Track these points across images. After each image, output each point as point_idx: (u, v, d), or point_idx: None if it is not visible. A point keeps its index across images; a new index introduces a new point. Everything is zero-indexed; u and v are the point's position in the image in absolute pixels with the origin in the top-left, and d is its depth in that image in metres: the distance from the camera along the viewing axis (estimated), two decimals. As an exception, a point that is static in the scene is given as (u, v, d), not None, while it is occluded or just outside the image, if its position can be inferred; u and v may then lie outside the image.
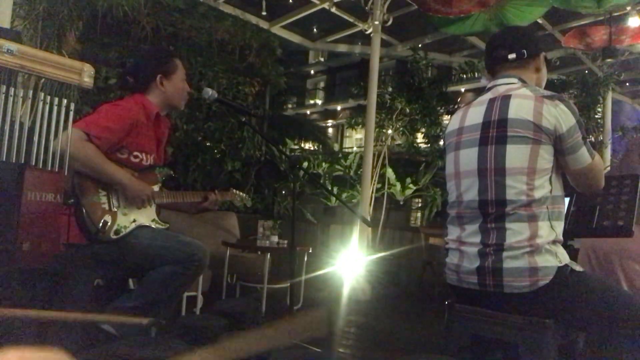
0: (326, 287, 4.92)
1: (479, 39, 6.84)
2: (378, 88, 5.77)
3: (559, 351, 1.38)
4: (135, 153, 2.00)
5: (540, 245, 1.37)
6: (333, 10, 6.08)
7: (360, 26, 6.13)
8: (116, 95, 4.01)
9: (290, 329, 0.61)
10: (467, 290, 1.51)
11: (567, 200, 1.66)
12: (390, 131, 7.08)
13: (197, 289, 3.16)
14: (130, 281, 2.26)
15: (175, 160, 4.90)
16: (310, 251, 4.20)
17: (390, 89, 7.28)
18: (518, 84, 1.54)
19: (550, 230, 1.40)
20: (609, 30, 5.41)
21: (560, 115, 1.40)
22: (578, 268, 1.41)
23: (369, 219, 5.61)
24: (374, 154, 5.97)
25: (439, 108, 7.13)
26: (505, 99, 1.48)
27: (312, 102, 21.08)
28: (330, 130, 19.85)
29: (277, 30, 6.69)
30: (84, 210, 1.83)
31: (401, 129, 7.21)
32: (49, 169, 1.47)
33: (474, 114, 1.56)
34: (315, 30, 7.70)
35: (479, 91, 1.66)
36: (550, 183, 1.43)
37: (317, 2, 6.10)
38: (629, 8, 5.33)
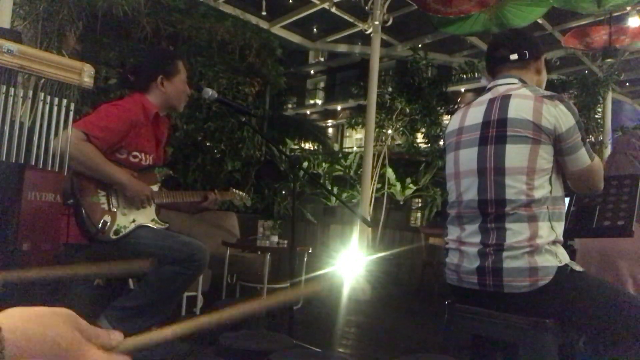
0: (326, 287, 4.91)
1: (479, 39, 6.84)
2: (378, 88, 5.78)
3: (559, 351, 1.38)
4: (135, 153, 2.00)
5: (540, 246, 1.37)
6: (333, 10, 6.09)
7: (360, 26, 6.13)
8: (116, 95, 4.01)
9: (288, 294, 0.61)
10: (467, 290, 1.51)
11: (567, 200, 1.66)
12: (390, 131, 7.09)
13: (197, 289, 3.16)
14: (130, 281, 2.26)
15: (175, 160, 4.90)
16: (310, 251, 4.20)
17: (390, 89, 7.28)
18: (518, 84, 1.54)
19: (550, 230, 1.40)
20: (609, 30, 5.41)
21: (559, 115, 1.40)
22: (578, 268, 1.41)
23: (369, 219, 5.61)
24: (374, 154, 5.97)
25: (439, 108, 7.13)
26: (505, 98, 1.48)
27: (312, 102, 21.08)
28: (330, 130, 19.84)
29: (277, 30, 6.69)
30: (84, 211, 1.83)
31: (401, 129, 7.21)
32: (49, 169, 1.46)
33: (474, 114, 1.56)
34: (315, 30, 7.70)
35: (479, 91, 1.66)
36: (550, 183, 1.43)
37: (317, 2, 6.10)
38: (629, 8, 5.33)
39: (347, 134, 19.82)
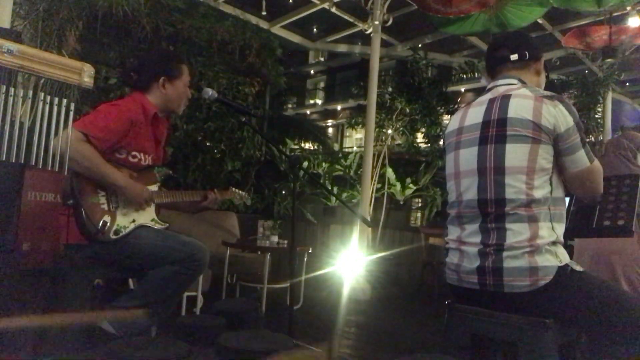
0: (326, 287, 4.91)
1: (479, 39, 6.84)
2: (378, 88, 5.77)
3: (559, 351, 1.38)
4: (134, 153, 2.00)
5: (540, 246, 1.37)
6: (333, 10, 6.08)
7: (360, 26, 6.13)
8: (116, 95, 4.02)
9: None
10: (467, 290, 1.51)
11: (567, 200, 1.66)
12: (390, 131, 7.09)
13: (197, 289, 3.16)
14: (130, 281, 2.26)
15: (175, 160, 4.90)
16: (310, 251, 4.20)
17: (390, 89, 7.28)
18: (518, 84, 1.55)
19: (551, 231, 1.40)
20: (609, 30, 5.41)
21: (559, 116, 1.41)
22: (578, 268, 1.41)
23: (369, 219, 5.61)
24: (374, 154, 5.97)
25: (439, 108, 7.13)
26: (505, 98, 1.48)
27: (312, 102, 21.08)
28: (330, 130, 19.84)
29: (277, 30, 6.68)
30: (83, 211, 1.83)
31: (401, 129, 7.21)
32: (49, 169, 1.46)
33: (474, 114, 1.56)
34: (315, 30, 7.70)
35: (479, 91, 1.67)
36: (551, 184, 1.43)
37: (317, 2, 6.10)
38: (629, 8, 5.33)
39: (347, 134, 19.83)
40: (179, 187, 4.70)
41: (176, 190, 2.19)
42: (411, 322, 4.13)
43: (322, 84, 21.35)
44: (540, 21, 6.09)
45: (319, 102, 20.75)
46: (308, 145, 11.59)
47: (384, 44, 6.66)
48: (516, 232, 1.40)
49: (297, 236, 2.19)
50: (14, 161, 1.39)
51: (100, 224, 1.84)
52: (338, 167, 8.89)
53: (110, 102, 2.09)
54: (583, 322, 1.41)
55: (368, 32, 5.59)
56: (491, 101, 1.53)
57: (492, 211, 1.44)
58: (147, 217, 2.00)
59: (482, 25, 5.50)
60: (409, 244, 6.84)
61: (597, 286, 1.40)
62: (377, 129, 6.58)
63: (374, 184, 6.61)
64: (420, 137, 8.12)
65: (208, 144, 5.36)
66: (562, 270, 1.37)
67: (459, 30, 5.75)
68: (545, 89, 1.60)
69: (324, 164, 8.97)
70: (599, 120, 7.96)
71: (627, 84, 9.09)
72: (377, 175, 6.79)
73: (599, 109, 7.93)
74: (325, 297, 4.61)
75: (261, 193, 6.43)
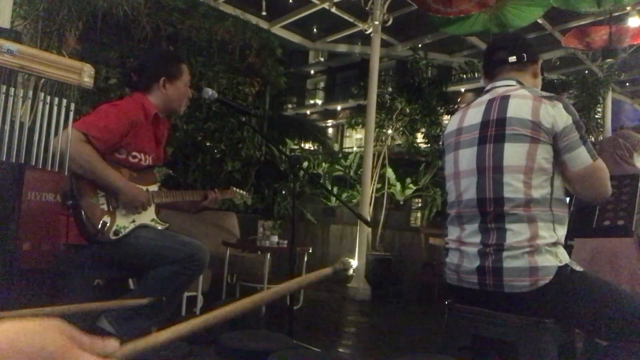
0: (326, 287, 4.91)
1: (479, 39, 6.84)
2: (378, 88, 5.77)
3: (559, 351, 1.38)
4: (134, 153, 2.00)
5: (540, 246, 1.37)
6: (333, 10, 6.08)
7: (360, 26, 6.13)
8: (116, 95, 4.02)
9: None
10: (467, 290, 1.51)
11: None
12: (390, 131, 7.08)
13: (197, 289, 3.16)
14: (130, 281, 2.26)
15: (175, 160, 4.90)
16: (310, 251, 4.20)
17: (390, 89, 7.27)
18: (516, 85, 1.56)
19: (552, 233, 1.40)
20: (609, 30, 5.41)
21: (557, 115, 1.41)
22: (578, 268, 1.41)
23: (369, 219, 5.61)
24: (374, 154, 5.97)
25: (439, 108, 7.12)
26: (504, 99, 1.49)
27: (312, 102, 21.06)
28: (330, 130, 19.83)
29: (277, 30, 6.68)
30: (83, 212, 1.83)
31: (401, 129, 7.21)
32: (49, 169, 1.46)
33: (473, 114, 1.57)
34: (315, 30, 7.70)
35: (479, 91, 1.68)
36: (551, 185, 1.43)
37: (317, 2, 6.09)
38: (629, 8, 5.33)
39: (347, 134, 19.81)
40: (179, 187, 4.70)
41: (176, 190, 2.18)
42: (411, 322, 4.13)
43: (322, 84, 21.34)
44: (540, 21, 6.09)
45: (319, 102, 20.74)
46: (308, 146, 11.59)
47: (384, 44, 6.65)
48: (516, 232, 1.40)
49: (297, 236, 2.19)
50: (14, 161, 1.39)
51: (100, 224, 1.84)
52: (338, 167, 8.88)
53: (110, 103, 2.08)
54: (583, 322, 1.41)
55: (368, 32, 5.60)
56: (490, 102, 1.53)
57: (491, 210, 1.44)
58: (147, 217, 2.00)
59: (482, 25, 5.50)
60: (409, 244, 6.83)
61: (597, 286, 1.40)
62: (377, 129, 6.57)
63: (374, 184, 6.60)
64: (420, 137, 8.11)
65: (208, 144, 5.37)
66: (562, 270, 1.37)
67: (459, 30, 5.75)
68: (545, 89, 1.60)
69: (324, 164, 8.96)
70: (599, 121, 7.96)
71: (627, 84, 9.08)
72: (377, 175, 6.78)
73: (599, 109, 7.92)
74: (325, 297, 4.61)
75: (261, 193, 6.42)
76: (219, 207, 2.63)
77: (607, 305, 1.35)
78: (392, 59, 11.62)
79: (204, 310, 3.21)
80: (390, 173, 7.58)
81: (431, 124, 7.07)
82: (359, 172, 7.55)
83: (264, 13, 6.08)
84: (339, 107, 19.07)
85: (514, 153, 1.42)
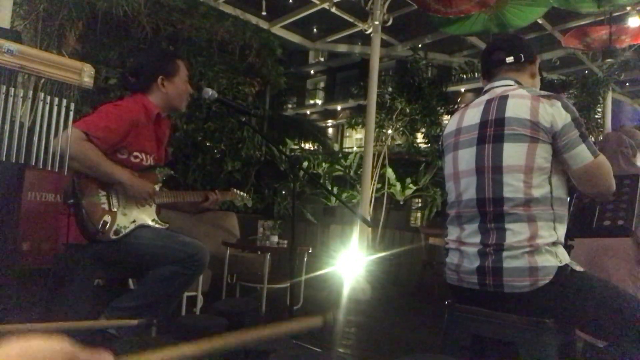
0: (326, 287, 4.92)
1: (479, 39, 6.84)
2: (378, 88, 5.77)
3: (559, 351, 1.38)
4: (135, 153, 2.00)
5: (540, 246, 1.37)
6: (333, 10, 6.08)
7: (360, 26, 6.13)
8: (116, 95, 4.02)
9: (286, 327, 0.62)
10: (467, 290, 1.51)
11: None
12: (390, 131, 7.08)
13: (197, 289, 3.16)
14: (130, 281, 2.26)
15: (175, 160, 4.90)
16: (310, 251, 4.20)
17: (390, 89, 7.27)
18: (515, 85, 1.56)
19: (552, 232, 1.40)
20: (609, 30, 5.41)
21: (556, 113, 1.41)
22: (578, 268, 1.41)
23: (369, 219, 5.61)
24: (374, 154, 5.97)
25: (439, 108, 7.12)
26: (503, 99, 1.49)
27: (312, 102, 21.06)
28: (330, 130, 19.83)
29: (277, 30, 6.68)
30: (84, 211, 1.83)
31: (401, 129, 7.21)
32: (49, 169, 1.46)
33: (472, 114, 1.57)
34: (315, 30, 7.70)
35: (479, 91, 1.68)
36: (550, 183, 1.43)
37: (317, 2, 6.09)
38: (629, 8, 5.33)
39: (347, 134, 19.81)
40: (179, 187, 4.70)
41: (177, 191, 2.19)
42: (411, 322, 4.13)
43: (322, 84, 21.33)
44: (540, 21, 6.09)
45: (319, 102, 20.74)
46: (308, 146, 11.59)
47: (384, 44, 6.65)
48: (515, 232, 1.40)
49: (297, 236, 2.19)
50: (14, 161, 1.39)
51: (101, 224, 1.84)
52: (338, 167, 8.88)
53: (112, 103, 2.09)
54: (583, 322, 1.41)
55: (368, 32, 5.59)
56: (489, 102, 1.53)
57: (491, 210, 1.44)
58: (147, 217, 2.00)
59: (482, 25, 5.50)
60: (409, 244, 6.83)
61: (597, 286, 1.40)
62: (377, 129, 6.58)
63: (374, 184, 6.60)
64: (420, 137, 8.12)
65: (208, 144, 5.37)
66: (562, 270, 1.37)
67: (459, 30, 5.75)
68: (545, 89, 1.60)
69: (324, 164, 8.97)
70: (599, 120, 7.96)
71: (627, 84, 9.09)
72: (377, 175, 6.78)
73: (599, 109, 7.92)
74: (325, 297, 4.61)
75: (261, 193, 6.43)
76: (219, 208, 2.63)
77: (607, 305, 1.35)
78: (392, 59, 11.61)
79: (204, 310, 3.22)
80: (390, 173, 7.59)
81: (431, 124, 7.07)
82: (359, 172, 7.56)
83: (264, 13, 6.08)
84: (339, 107, 19.07)
85: (513, 153, 1.42)
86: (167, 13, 4.81)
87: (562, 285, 1.36)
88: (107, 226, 1.86)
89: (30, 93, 1.44)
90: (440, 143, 1.75)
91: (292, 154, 9.80)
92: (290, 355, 1.31)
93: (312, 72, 20.85)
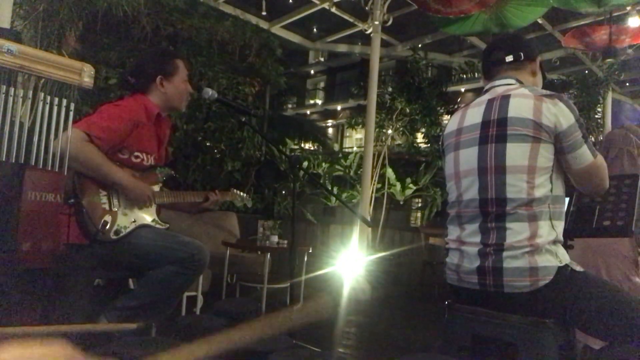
0: (326, 287, 4.91)
1: (479, 39, 6.85)
2: (378, 88, 5.78)
3: (559, 351, 1.38)
4: (136, 153, 2.00)
5: (540, 245, 1.37)
6: (333, 10, 6.09)
7: (360, 26, 6.13)
8: (116, 95, 4.01)
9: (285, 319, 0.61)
10: (467, 290, 1.51)
11: (567, 200, 1.66)
12: (390, 131, 7.09)
13: (197, 289, 3.16)
14: (130, 281, 2.26)
15: (175, 160, 4.90)
16: (310, 251, 4.20)
17: (390, 89, 7.28)
18: (516, 84, 1.55)
19: (550, 229, 1.40)
20: (609, 30, 5.41)
21: (559, 113, 1.41)
22: (578, 268, 1.41)
23: (369, 219, 5.61)
24: (374, 154, 5.97)
25: (439, 108, 7.13)
26: (505, 98, 1.49)
27: (312, 102, 21.07)
28: (330, 130, 19.84)
29: (277, 30, 6.69)
30: (84, 210, 1.83)
31: (401, 129, 7.22)
32: (49, 169, 1.46)
33: (473, 114, 1.57)
34: (315, 30, 7.71)
35: (479, 91, 1.68)
36: (551, 182, 1.43)
37: (317, 2, 6.10)
38: (629, 8, 5.33)
39: (347, 134, 19.82)
40: (179, 187, 4.71)
41: (177, 191, 2.18)
42: (411, 322, 4.13)
43: (322, 84, 21.34)
44: (540, 21, 6.09)
45: (319, 102, 20.75)
46: (308, 146, 11.60)
47: (384, 44, 6.66)
48: (516, 232, 1.40)
49: (297, 236, 2.19)
50: (14, 161, 1.39)
51: (101, 224, 1.84)
52: (338, 167, 8.89)
53: (112, 103, 2.08)
54: (583, 322, 1.41)
55: (368, 32, 5.59)
56: (490, 101, 1.53)
57: (493, 210, 1.44)
58: (147, 217, 2.00)
59: (482, 25, 5.50)
60: (409, 244, 6.84)
61: (597, 286, 1.40)
62: (377, 129, 6.58)
63: (374, 184, 6.61)
64: (420, 137, 8.12)
65: (208, 144, 5.37)
66: (562, 270, 1.37)
67: (459, 30, 5.75)
68: (545, 89, 1.60)
69: (324, 164, 8.98)
70: (599, 120, 7.96)
71: (627, 84, 9.09)
72: (377, 175, 6.79)
73: (599, 109, 7.93)
74: (325, 297, 4.61)
75: (261, 193, 6.43)
76: (219, 208, 2.63)
77: (607, 305, 1.35)
78: (392, 59, 11.62)
79: (204, 310, 3.22)
80: (390, 173, 7.59)
81: (431, 124, 7.08)
82: (359, 172, 7.56)
83: (264, 13, 6.09)
84: (339, 107, 19.08)
85: (516, 153, 1.42)
86: (167, 13, 4.81)
87: (562, 286, 1.36)
88: (108, 226, 1.86)
89: (30, 93, 1.44)
90: (440, 143, 1.75)
91: (292, 154, 9.81)
92: (290, 355, 1.31)
93: (312, 72, 20.87)
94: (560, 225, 1.45)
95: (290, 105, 17.32)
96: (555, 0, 4.93)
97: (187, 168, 5.15)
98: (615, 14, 5.49)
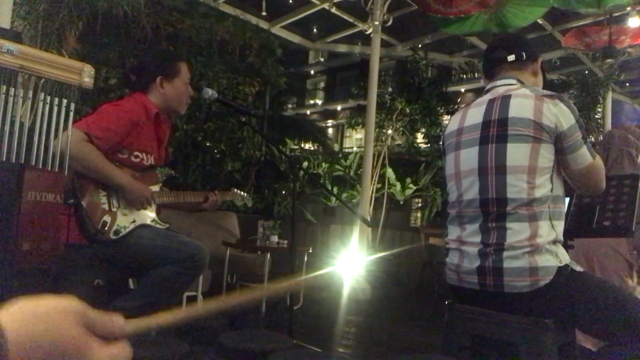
0: (326, 287, 4.91)
1: (479, 39, 6.85)
2: (378, 88, 5.78)
3: (559, 351, 1.38)
4: (136, 153, 2.00)
5: (540, 245, 1.37)
6: (333, 10, 6.09)
7: (360, 26, 6.13)
8: (116, 96, 4.02)
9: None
10: (467, 290, 1.51)
11: (567, 200, 1.66)
12: (390, 131, 7.09)
13: (197, 289, 3.16)
14: (130, 281, 2.26)
15: (175, 160, 4.90)
16: (310, 251, 4.20)
17: (390, 89, 7.28)
18: (517, 84, 1.55)
19: (550, 229, 1.40)
20: (609, 30, 5.41)
21: (560, 114, 1.41)
22: (578, 268, 1.41)
23: (369, 219, 5.61)
24: (374, 154, 5.97)
25: (439, 108, 7.13)
26: (506, 98, 1.48)
27: (312, 102, 21.07)
28: (330, 130, 19.83)
29: (277, 30, 6.69)
30: (84, 211, 1.83)
31: (401, 129, 7.21)
32: (49, 169, 1.46)
33: (474, 114, 1.57)
34: (315, 30, 7.70)
35: (480, 91, 1.68)
36: (551, 182, 1.43)
37: (317, 2, 6.10)
38: (629, 8, 5.33)
39: (347, 134, 19.81)
40: (179, 187, 4.71)
41: (177, 191, 2.18)
42: (411, 322, 4.13)
43: (322, 84, 21.33)
44: (540, 21, 6.09)
45: (319, 102, 20.74)
46: (308, 146, 11.60)
47: (384, 44, 6.66)
48: (516, 232, 1.40)
49: (297, 236, 2.19)
50: (14, 161, 1.39)
51: (100, 224, 1.84)
52: (338, 167, 8.89)
53: (112, 103, 2.08)
54: (583, 322, 1.41)
55: (368, 32, 5.60)
56: (491, 101, 1.53)
57: (494, 210, 1.44)
58: (147, 217, 2.00)
59: (482, 25, 5.51)
60: (409, 244, 6.84)
61: (597, 286, 1.40)
62: (377, 129, 6.58)
63: (374, 184, 6.61)
64: (420, 137, 8.12)
65: (208, 144, 5.37)
66: (562, 270, 1.37)
67: (459, 30, 5.75)
68: (545, 89, 1.60)
69: (324, 164, 8.97)
70: (599, 120, 7.96)
71: (627, 84, 9.09)
72: (377, 175, 6.78)
73: (599, 109, 7.92)
74: (325, 297, 4.61)
75: (261, 193, 6.43)
76: (218, 208, 2.63)
77: (607, 305, 1.35)
78: (392, 59, 11.61)
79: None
80: (390, 173, 7.59)
81: (431, 124, 7.07)
82: (359, 172, 7.56)
83: (264, 13, 6.09)
84: (339, 107, 19.07)
85: (517, 153, 1.42)
86: (167, 13, 4.81)
87: (562, 286, 1.36)
88: (107, 226, 1.86)
89: (30, 93, 1.44)
90: (441, 142, 1.75)
91: (292, 154, 9.81)
92: (290, 355, 1.31)
93: (312, 72, 20.86)
94: (560, 225, 1.45)
95: (290, 106, 17.31)
96: (555, 0, 4.93)
97: (187, 168, 5.15)
98: (615, 14, 5.49)
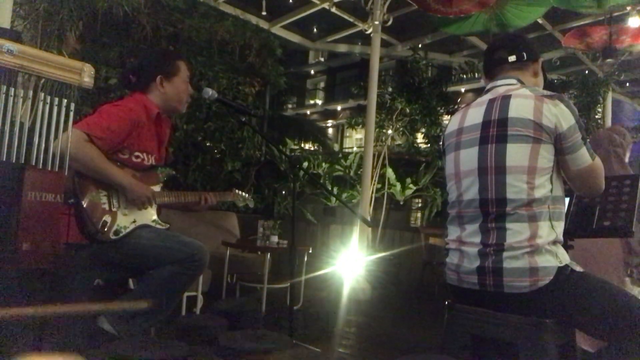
0: (326, 287, 4.92)
1: (479, 39, 6.85)
2: (378, 88, 5.77)
3: (559, 351, 1.38)
4: (137, 153, 2.00)
5: (540, 246, 1.37)
6: (333, 10, 6.09)
7: (360, 26, 6.13)
8: (116, 96, 4.01)
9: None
10: (467, 290, 1.51)
11: (567, 200, 1.66)
12: (390, 131, 7.08)
13: (197, 289, 3.17)
14: (130, 281, 2.26)
15: (175, 160, 4.90)
16: (310, 251, 4.20)
17: (390, 89, 7.27)
18: (517, 84, 1.55)
19: (550, 230, 1.40)
20: (609, 30, 5.41)
21: (560, 114, 1.41)
22: (578, 268, 1.41)
23: (369, 219, 5.61)
24: (374, 154, 5.97)
25: (439, 108, 7.12)
26: (506, 98, 1.48)
27: (312, 102, 21.06)
28: (330, 130, 19.82)
29: (277, 30, 6.69)
30: (84, 210, 1.83)
31: (401, 129, 7.21)
32: (49, 169, 1.46)
33: (474, 114, 1.57)
34: (315, 30, 7.70)
35: (480, 91, 1.67)
36: (551, 182, 1.43)
37: (317, 2, 6.10)
38: (629, 8, 5.33)
39: (347, 134, 19.81)
40: (179, 187, 4.70)
41: (178, 191, 2.18)
42: (411, 322, 4.13)
43: (322, 84, 21.33)
44: (540, 21, 6.09)
45: (319, 102, 20.73)
46: (308, 146, 11.60)
47: (384, 44, 6.66)
48: (516, 232, 1.40)
49: (297, 236, 2.19)
50: (14, 161, 1.39)
51: (101, 224, 1.84)
52: (338, 167, 8.88)
53: (112, 103, 2.08)
54: (583, 322, 1.41)
55: (368, 32, 5.60)
56: (491, 101, 1.53)
57: (493, 211, 1.44)
58: (147, 217, 2.00)
59: (482, 25, 5.51)
60: (409, 244, 6.84)
61: (597, 287, 1.40)
62: (377, 129, 6.57)
63: (374, 184, 6.60)
64: (420, 137, 8.12)
65: (208, 144, 5.37)
66: (562, 270, 1.37)
67: (459, 30, 5.76)
68: (545, 89, 1.60)
69: (324, 164, 8.97)
70: (599, 121, 7.96)
71: (627, 84, 9.09)
72: (377, 175, 6.78)
73: (599, 109, 7.92)
74: (325, 297, 4.61)
75: (261, 193, 6.43)
76: (218, 207, 2.63)
77: (607, 305, 1.35)
78: (392, 59, 11.61)
79: (204, 310, 3.22)
80: (390, 173, 7.58)
81: (431, 124, 7.07)
82: (359, 172, 7.56)
83: (264, 13, 6.09)
84: (339, 107, 19.06)
85: (516, 154, 1.42)
86: (167, 13, 4.81)
87: (562, 286, 1.36)
88: (107, 226, 1.86)
89: (30, 93, 1.44)
90: (441, 142, 1.75)
91: (292, 154, 9.81)
92: (290, 355, 1.31)
93: (312, 72, 20.85)
94: (560, 226, 1.45)
95: (290, 105, 17.32)
96: (555, 0, 4.93)
97: (187, 168, 5.15)
98: (615, 14, 5.49)
